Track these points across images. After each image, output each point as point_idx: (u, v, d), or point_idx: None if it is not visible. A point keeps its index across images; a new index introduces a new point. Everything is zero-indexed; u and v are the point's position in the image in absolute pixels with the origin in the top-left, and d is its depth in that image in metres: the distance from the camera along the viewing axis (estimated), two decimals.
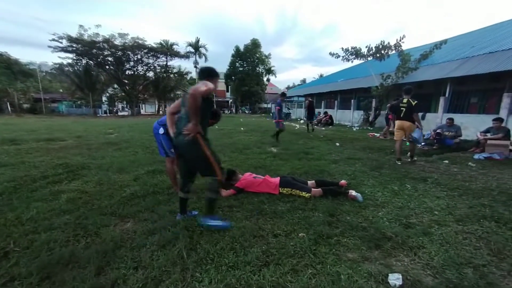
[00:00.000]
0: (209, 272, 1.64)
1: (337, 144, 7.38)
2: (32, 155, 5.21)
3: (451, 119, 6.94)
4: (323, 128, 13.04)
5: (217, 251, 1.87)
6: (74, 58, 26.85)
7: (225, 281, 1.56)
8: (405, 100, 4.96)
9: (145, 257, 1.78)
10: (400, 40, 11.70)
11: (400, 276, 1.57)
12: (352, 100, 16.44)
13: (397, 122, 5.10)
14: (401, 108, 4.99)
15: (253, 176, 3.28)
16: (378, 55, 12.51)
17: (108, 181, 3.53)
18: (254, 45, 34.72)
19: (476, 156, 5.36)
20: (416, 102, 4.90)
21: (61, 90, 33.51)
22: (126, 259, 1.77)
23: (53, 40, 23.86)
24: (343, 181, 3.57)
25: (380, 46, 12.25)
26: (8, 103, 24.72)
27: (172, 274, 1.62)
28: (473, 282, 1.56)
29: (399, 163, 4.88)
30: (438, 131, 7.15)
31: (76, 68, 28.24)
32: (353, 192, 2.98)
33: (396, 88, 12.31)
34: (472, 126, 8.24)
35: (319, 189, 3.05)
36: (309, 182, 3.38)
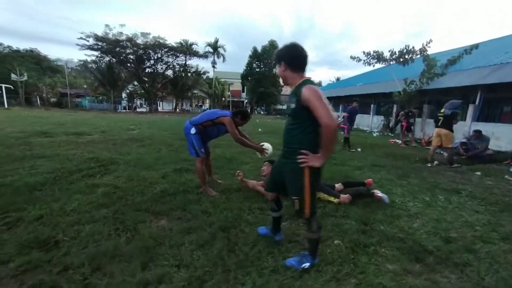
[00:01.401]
0: (251, 274, 1.65)
1: (359, 149, 7.24)
2: (64, 148, 5.46)
3: (479, 131, 6.60)
4: (342, 133, 12.80)
5: (255, 255, 1.87)
6: (99, 55, 28.03)
7: (268, 285, 1.57)
8: (442, 110, 5.61)
9: (186, 256, 1.81)
10: (426, 45, 11.27)
11: None
12: (372, 105, 16.05)
13: (436, 130, 5.75)
14: (439, 117, 5.56)
15: None
16: (401, 59, 12.10)
17: (137, 177, 3.63)
18: (272, 46, 34.69)
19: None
20: (452, 111, 5.38)
21: (85, 86, 34.98)
22: (168, 256, 1.81)
23: (81, 38, 25.07)
24: (369, 180, 3.58)
25: (404, 50, 11.84)
26: (37, 97, 26.15)
27: (215, 275, 1.64)
28: None
29: (429, 165, 5.34)
30: (463, 141, 6.83)
31: (99, 65, 29.45)
32: (379, 193, 2.93)
33: (420, 94, 11.90)
34: (506, 136, 7.81)
35: (347, 195, 2.99)
36: (336, 185, 3.34)
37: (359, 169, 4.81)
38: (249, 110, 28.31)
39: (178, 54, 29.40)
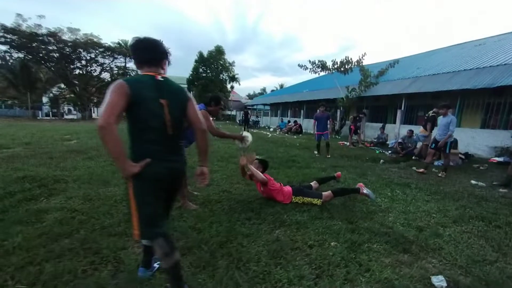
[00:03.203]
0: None
1: (315, 152, 7.75)
2: None
3: (411, 131, 7.91)
4: (294, 136, 13.57)
5: (264, 268, 1.79)
6: (8, 50, 23.10)
7: None
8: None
9: (191, 281, 1.60)
10: (362, 57, 13.01)
11: (443, 278, 1.72)
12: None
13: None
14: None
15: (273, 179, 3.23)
16: (342, 69, 13.66)
17: (97, 196, 3.09)
18: (218, 51, 34.61)
19: (436, 163, 6.19)
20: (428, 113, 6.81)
21: None
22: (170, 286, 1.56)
23: None
24: (338, 173, 4.00)
25: (345, 61, 13.43)
26: None
27: None
28: (498, 277, 1.79)
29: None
30: (400, 141, 8.07)
31: (10, 63, 24.32)
32: (364, 190, 3.17)
33: (360, 101, 13.58)
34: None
35: (329, 191, 3.14)
36: (311, 183, 3.56)
37: (323, 171, 5.14)
38: None
39: (116, 56, 26.52)
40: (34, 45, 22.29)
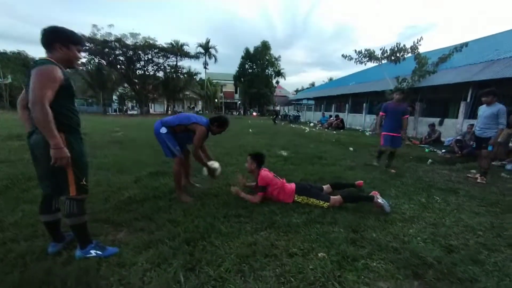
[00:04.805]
0: None
1: (351, 149, 6.98)
2: None
3: (473, 125, 6.43)
4: (334, 132, 12.61)
5: (220, 274, 1.55)
6: (87, 57, 27.33)
7: None
8: None
9: (135, 279, 1.47)
10: (417, 43, 11.18)
11: None
12: (364, 104, 15.92)
13: None
14: None
15: (273, 174, 2.93)
16: (393, 57, 11.98)
17: (107, 182, 3.27)
18: (264, 47, 34.53)
19: (509, 167, 4.87)
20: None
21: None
22: (112, 280, 1.47)
23: None
24: (359, 181, 3.28)
25: (396, 49, 11.73)
26: None
27: None
28: None
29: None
30: (458, 138, 6.67)
31: (89, 67, 28.73)
32: (379, 199, 2.62)
33: (412, 92, 11.79)
34: None
35: (338, 196, 2.70)
36: (324, 187, 3.06)
37: (351, 169, 4.53)
38: (242, 112, 28.70)
39: (168, 55, 28.92)
40: (105, 50, 25.93)
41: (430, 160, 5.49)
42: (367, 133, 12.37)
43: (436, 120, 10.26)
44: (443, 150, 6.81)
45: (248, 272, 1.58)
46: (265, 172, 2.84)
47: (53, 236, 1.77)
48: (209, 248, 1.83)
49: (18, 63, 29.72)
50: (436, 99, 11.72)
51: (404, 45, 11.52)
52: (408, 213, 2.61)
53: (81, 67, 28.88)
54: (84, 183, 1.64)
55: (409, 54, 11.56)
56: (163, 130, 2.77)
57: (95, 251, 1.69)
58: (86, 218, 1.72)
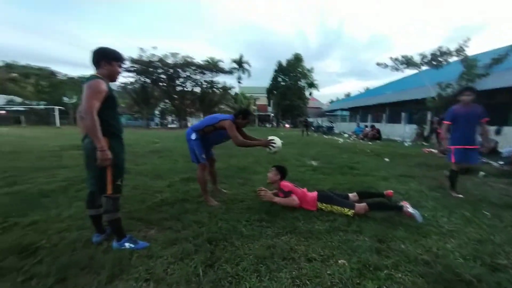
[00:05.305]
0: None
1: (386, 159, 6.56)
2: None
3: None
4: (370, 143, 11.95)
5: (238, 272, 1.60)
6: (134, 76, 30.63)
7: None
8: None
9: (160, 270, 1.61)
10: (464, 44, 10.27)
11: None
12: (403, 113, 14.88)
13: None
14: None
15: (294, 184, 2.94)
16: (434, 62, 11.17)
17: (143, 186, 3.60)
18: (297, 59, 34.92)
19: None
20: None
21: (123, 105, 38.20)
22: (141, 269, 1.62)
23: None
24: (389, 191, 3.06)
25: (438, 53, 10.93)
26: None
27: None
28: None
29: None
30: None
31: (135, 86, 32.05)
32: (409, 208, 2.43)
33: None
34: None
35: (364, 204, 2.58)
36: (350, 194, 2.94)
37: (385, 180, 4.27)
38: (275, 124, 29.11)
39: (205, 72, 30.86)
40: (149, 70, 28.79)
41: (482, 173, 4.88)
42: (406, 144, 11.47)
43: (492, 128, 9.10)
44: (501, 162, 5.99)
45: (265, 272, 1.61)
46: (286, 182, 2.87)
47: (97, 228, 2.02)
48: (229, 248, 1.90)
49: (77, 84, 34.57)
50: (491, 104, 10.44)
51: (448, 48, 10.68)
52: (447, 226, 2.37)
53: (129, 86, 32.43)
54: (119, 183, 1.86)
55: (454, 58, 10.65)
56: (193, 136, 2.98)
57: (128, 244, 1.88)
58: (121, 215, 1.94)
